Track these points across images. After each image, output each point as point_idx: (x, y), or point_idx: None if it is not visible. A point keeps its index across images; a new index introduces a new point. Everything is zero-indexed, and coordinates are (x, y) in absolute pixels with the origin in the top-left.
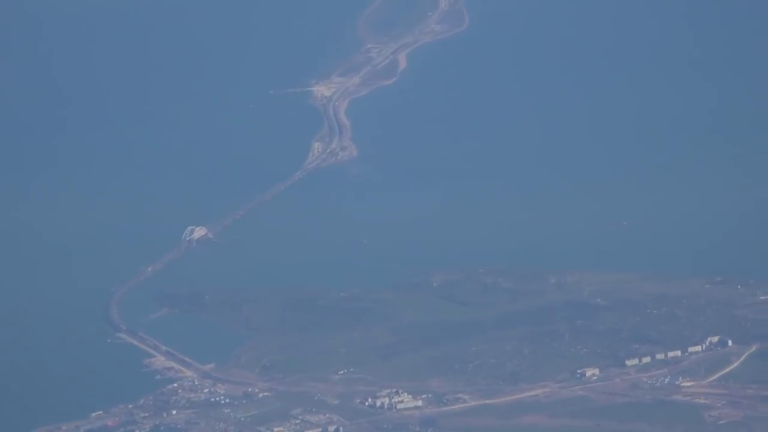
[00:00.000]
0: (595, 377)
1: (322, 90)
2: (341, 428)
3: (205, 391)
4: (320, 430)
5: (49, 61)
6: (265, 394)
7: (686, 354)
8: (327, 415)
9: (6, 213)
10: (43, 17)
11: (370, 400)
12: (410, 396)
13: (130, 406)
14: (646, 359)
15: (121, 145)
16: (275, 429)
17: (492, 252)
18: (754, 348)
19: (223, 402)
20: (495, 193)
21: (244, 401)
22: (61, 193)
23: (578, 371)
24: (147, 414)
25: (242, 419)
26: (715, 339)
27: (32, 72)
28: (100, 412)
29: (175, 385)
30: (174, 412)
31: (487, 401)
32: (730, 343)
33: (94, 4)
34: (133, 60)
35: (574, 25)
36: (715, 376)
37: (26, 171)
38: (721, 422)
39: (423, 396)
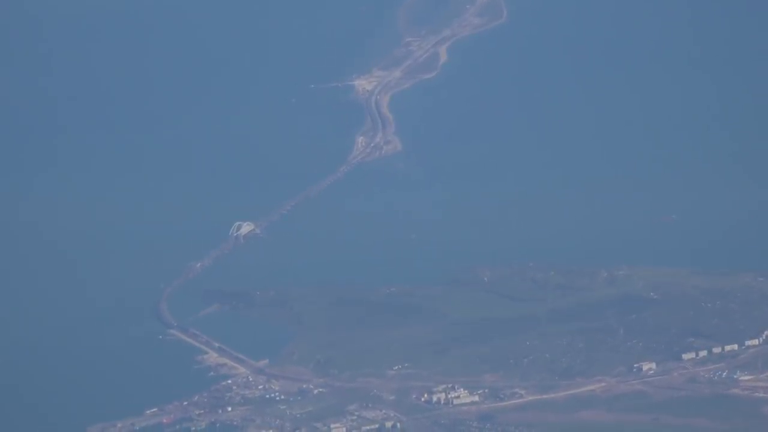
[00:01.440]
0: (652, 371)
1: (363, 84)
2: (398, 424)
3: (260, 387)
4: (377, 426)
5: (95, 62)
6: (320, 390)
7: (743, 348)
8: (383, 411)
9: (53, 212)
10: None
11: (426, 395)
12: (466, 391)
13: (185, 403)
14: (703, 353)
15: (166, 142)
16: (332, 425)
17: (539, 247)
18: None
19: (278, 398)
20: (539, 188)
21: (299, 397)
22: (107, 190)
23: (635, 366)
24: (202, 411)
25: (298, 416)
26: None
27: (82, 71)
28: (155, 409)
29: (229, 381)
30: (229, 408)
31: (544, 396)
32: None
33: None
34: (175, 57)
35: (613, 15)
36: None
37: (73, 170)
38: None
39: (479, 391)
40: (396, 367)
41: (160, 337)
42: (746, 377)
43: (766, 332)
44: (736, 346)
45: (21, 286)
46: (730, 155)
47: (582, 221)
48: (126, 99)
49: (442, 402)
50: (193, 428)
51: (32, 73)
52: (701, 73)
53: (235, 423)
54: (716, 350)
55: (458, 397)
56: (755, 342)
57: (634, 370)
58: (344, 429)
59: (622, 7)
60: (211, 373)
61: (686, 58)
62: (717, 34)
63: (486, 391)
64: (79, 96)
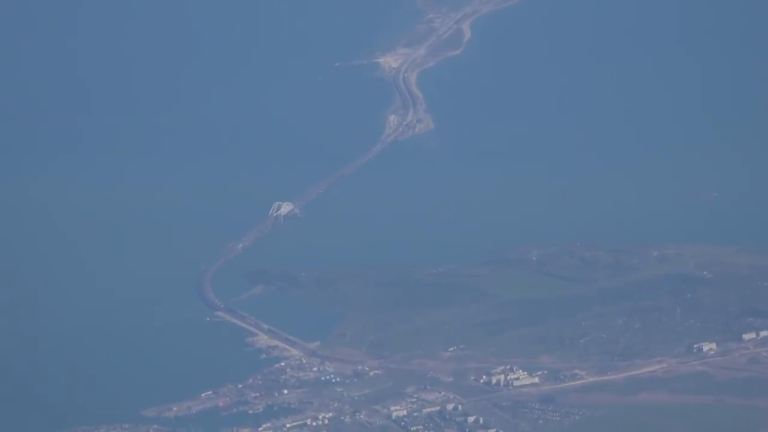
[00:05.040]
0: (713, 352)
1: (388, 61)
2: (460, 406)
3: (314, 369)
4: (438, 408)
5: (116, 34)
6: (376, 372)
7: None
8: (443, 393)
9: (94, 193)
10: None
11: (484, 377)
12: (525, 373)
13: (240, 385)
14: (764, 333)
15: (196, 122)
16: (392, 408)
17: (584, 225)
18: None
19: (333, 381)
20: (576, 166)
21: (355, 380)
22: (142, 172)
23: (694, 346)
24: (258, 394)
25: (356, 398)
26: None
27: (97, 44)
28: (210, 392)
29: (282, 364)
30: (285, 391)
31: (604, 377)
32: None
33: None
34: (196, 35)
35: None
36: None
37: (111, 151)
38: None
39: (538, 373)
40: (450, 349)
41: (208, 319)
42: None
43: None
44: None
45: (64, 269)
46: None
47: (623, 199)
48: (150, 80)
49: (502, 384)
50: (250, 411)
51: (56, 48)
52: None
53: (292, 406)
54: None
55: (518, 378)
56: None
57: (694, 350)
58: (405, 411)
59: None
60: (263, 356)
61: (713, 34)
62: None
63: (545, 372)
64: (107, 76)
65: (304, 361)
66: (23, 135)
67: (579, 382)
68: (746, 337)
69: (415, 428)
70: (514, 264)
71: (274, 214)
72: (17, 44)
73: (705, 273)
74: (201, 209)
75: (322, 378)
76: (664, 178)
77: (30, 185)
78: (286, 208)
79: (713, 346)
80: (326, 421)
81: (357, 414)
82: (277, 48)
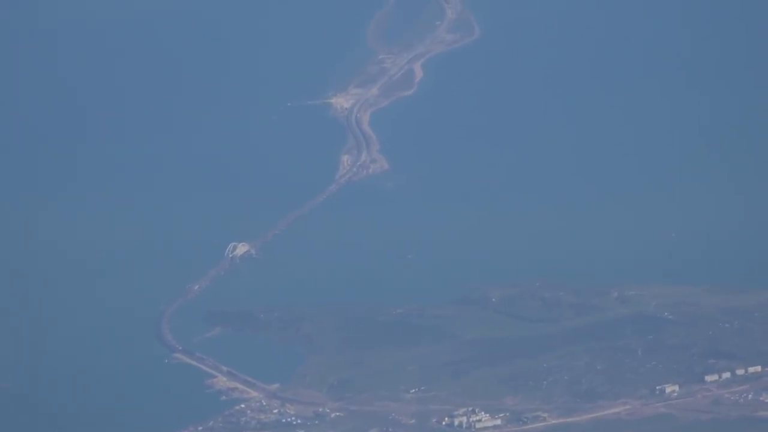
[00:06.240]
0: (676, 393)
1: (341, 101)
2: None
3: (275, 411)
4: None
5: (63, 76)
6: (338, 414)
7: (767, 369)
8: None
9: (46, 233)
10: (56, 30)
11: (447, 419)
12: (488, 415)
13: (200, 428)
14: (726, 375)
15: (143, 160)
16: None
17: (543, 264)
18: None
19: (295, 423)
20: (530, 205)
21: (316, 422)
22: (91, 212)
23: (657, 387)
24: None
25: None
26: None
27: (48, 84)
28: None
29: (243, 406)
30: None
31: (568, 419)
32: None
33: (106, 19)
34: (149, 76)
35: (584, 28)
36: None
37: (54, 190)
38: None
39: (501, 415)
40: (413, 390)
41: (166, 360)
42: None
43: None
44: (759, 368)
45: (20, 311)
46: (736, 170)
47: (582, 239)
48: (99, 120)
49: (464, 426)
50: None
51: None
52: (694, 84)
53: None
54: (739, 372)
55: (480, 420)
56: None
57: (657, 392)
58: None
59: (594, 21)
60: (224, 398)
61: (665, 70)
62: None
63: (507, 414)
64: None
65: (264, 403)
66: None
67: (542, 423)
68: (709, 378)
69: None
70: (474, 304)
71: (230, 255)
72: None
73: (666, 314)
74: (157, 250)
75: (283, 420)
76: (623, 217)
77: None
78: (241, 248)
79: (676, 387)
80: None
81: None
82: (229, 89)
